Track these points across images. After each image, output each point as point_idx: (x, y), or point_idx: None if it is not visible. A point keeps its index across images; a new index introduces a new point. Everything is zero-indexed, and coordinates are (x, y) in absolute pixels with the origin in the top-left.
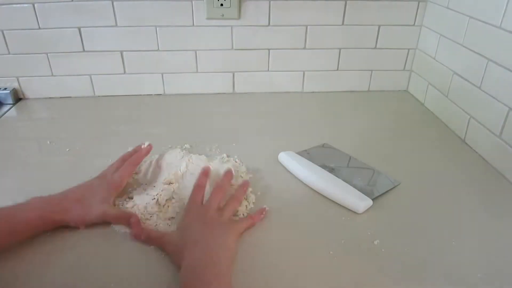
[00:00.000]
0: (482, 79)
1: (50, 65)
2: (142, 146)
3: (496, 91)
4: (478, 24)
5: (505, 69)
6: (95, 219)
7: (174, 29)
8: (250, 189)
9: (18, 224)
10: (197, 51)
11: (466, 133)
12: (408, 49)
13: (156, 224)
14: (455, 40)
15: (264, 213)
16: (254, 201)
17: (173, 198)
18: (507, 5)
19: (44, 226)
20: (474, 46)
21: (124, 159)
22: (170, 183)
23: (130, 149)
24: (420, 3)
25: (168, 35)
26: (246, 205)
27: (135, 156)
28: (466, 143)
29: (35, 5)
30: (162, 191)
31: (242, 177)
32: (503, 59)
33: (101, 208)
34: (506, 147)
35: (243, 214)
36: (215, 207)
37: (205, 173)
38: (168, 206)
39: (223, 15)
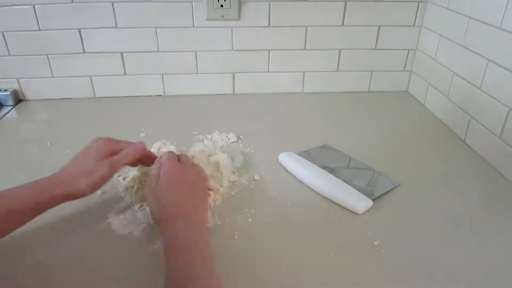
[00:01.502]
0: (482, 80)
1: (50, 66)
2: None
3: (496, 91)
4: (478, 25)
5: (505, 70)
6: (102, 178)
7: (174, 30)
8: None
9: (42, 200)
10: (197, 52)
11: (466, 133)
12: (408, 50)
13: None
14: (455, 40)
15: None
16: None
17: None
18: (507, 6)
19: (57, 201)
20: (474, 46)
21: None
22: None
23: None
24: (420, 3)
25: (168, 36)
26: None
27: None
28: (467, 144)
29: (36, 6)
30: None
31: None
32: (503, 60)
33: (104, 164)
34: (506, 147)
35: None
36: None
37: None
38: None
39: (223, 16)
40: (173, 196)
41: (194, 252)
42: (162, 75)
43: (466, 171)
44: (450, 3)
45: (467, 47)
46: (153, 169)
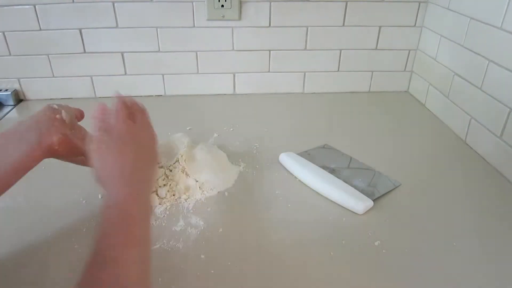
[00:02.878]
0: (483, 80)
1: (51, 66)
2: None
3: (497, 91)
4: (478, 25)
5: (506, 70)
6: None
7: (175, 30)
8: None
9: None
10: (197, 52)
11: (467, 134)
12: (409, 50)
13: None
14: (455, 41)
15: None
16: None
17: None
18: (507, 6)
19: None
20: (474, 46)
21: None
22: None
23: None
24: (420, 4)
25: (169, 36)
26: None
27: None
28: (467, 144)
29: (36, 6)
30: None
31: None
32: (503, 60)
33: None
34: (507, 148)
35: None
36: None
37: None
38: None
39: (223, 16)
40: (122, 157)
41: (132, 224)
42: (163, 75)
43: (466, 172)
44: (451, 4)
45: (468, 47)
46: (101, 121)
